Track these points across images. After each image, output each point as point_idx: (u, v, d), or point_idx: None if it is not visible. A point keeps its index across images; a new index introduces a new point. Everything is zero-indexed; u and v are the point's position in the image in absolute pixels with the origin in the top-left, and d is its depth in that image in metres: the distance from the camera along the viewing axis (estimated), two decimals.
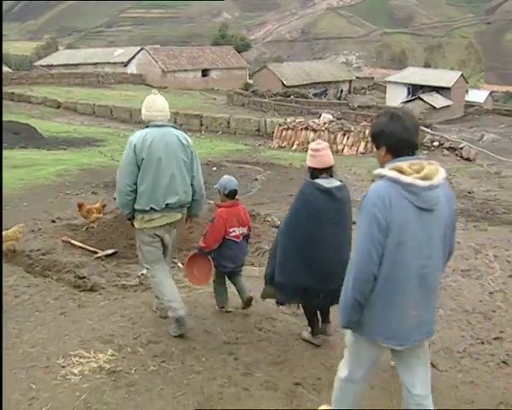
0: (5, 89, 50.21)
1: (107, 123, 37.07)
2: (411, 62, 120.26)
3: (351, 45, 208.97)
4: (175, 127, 6.10)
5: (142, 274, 8.21)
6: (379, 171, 3.64)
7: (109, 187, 15.33)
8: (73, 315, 6.48)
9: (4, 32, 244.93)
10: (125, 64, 72.64)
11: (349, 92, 74.79)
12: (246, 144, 29.09)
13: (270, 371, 5.33)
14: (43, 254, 9.24)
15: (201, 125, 35.61)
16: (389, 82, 69.50)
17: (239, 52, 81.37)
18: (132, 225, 6.18)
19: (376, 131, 3.75)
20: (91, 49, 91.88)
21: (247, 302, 6.63)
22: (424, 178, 3.51)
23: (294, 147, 27.78)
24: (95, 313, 6.52)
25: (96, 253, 9.43)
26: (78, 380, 4.93)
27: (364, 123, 29.73)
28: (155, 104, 5.91)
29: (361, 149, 25.51)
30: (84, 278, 7.89)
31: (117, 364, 5.23)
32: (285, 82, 68.50)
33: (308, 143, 27.42)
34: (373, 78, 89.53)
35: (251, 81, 73.93)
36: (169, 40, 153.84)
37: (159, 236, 6.01)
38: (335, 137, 26.75)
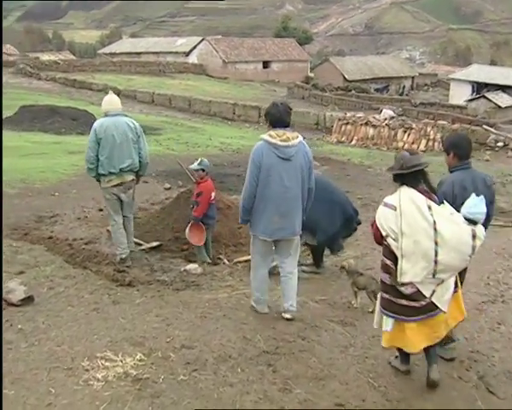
0: (68, 75, 51.02)
1: (166, 112, 36.98)
2: (477, 59, 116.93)
3: (415, 41, 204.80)
4: (126, 115, 8.39)
5: (185, 270, 7.87)
6: (261, 136, 5.97)
7: (162, 176, 15.09)
8: (107, 312, 6.15)
9: (70, 21, 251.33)
10: (187, 54, 72.77)
11: (411, 88, 73.18)
12: (304, 138, 28.32)
13: (311, 387, 4.85)
14: (85, 244, 9.02)
15: (260, 116, 35.16)
16: (453, 79, 67.46)
17: (301, 45, 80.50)
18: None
19: (265, 112, 6.17)
20: (154, 39, 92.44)
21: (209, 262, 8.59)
22: (283, 141, 5.84)
23: (354, 142, 27.11)
24: (129, 310, 6.18)
25: (141, 245, 9.14)
26: (101, 387, 4.56)
27: (426, 120, 28.80)
28: (109, 101, 8.30)
29: (422, 146, 24.62)
30: (123, 271, 7.59)
31: (144, 370, 4.85)
32: (346, 76, 67.55)
33: (368, 139, 26.83)
34: (436, 74, 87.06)
35: (312, 74, 73.08)
36: (231, 31, 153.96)
37: (115, 194, 8.21)
38: (396, 134, 25.97)
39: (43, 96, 39.27)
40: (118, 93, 43.49)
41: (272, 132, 5.88)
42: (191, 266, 8.00)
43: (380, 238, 5.06)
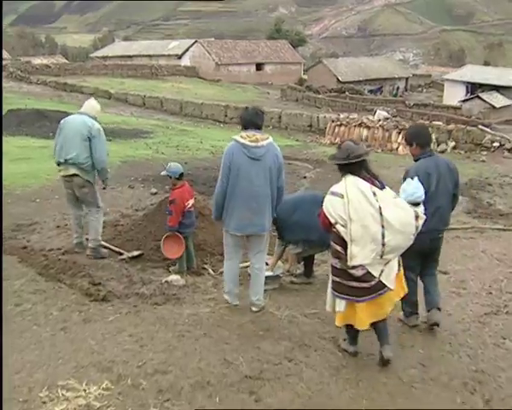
0: (59, 79, 50.47)
1: (157, 115, 36.47)
2: (470, 60, 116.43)
3: (408, 42, 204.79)
4: (91, 116, 8.51)
5: (167, 281, 7.36)
6: (233, 137, 6.24)
7: (148, 181, 14.58)
8: (75, 332, 5.58)
9: (63, 25, 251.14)
10: (179, 57, 72.26)
11: (405, 90, 72.72)
12: (297, 140, 28.03)
13: None
14: (62, 254, 8.51)
15: None
16: (447, 80, 67.03)
17: (294, 47, 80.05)
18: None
19: (239, 117, 6.55)
20: (146, 42, 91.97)
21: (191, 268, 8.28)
22: (252, 141, 6.07)
23: None
24: (100, 330, 5.62)
25: (122, 254, 8.62)
26: None
27: (420, 121, 28.28)
28: (84, 103, 8.85)
29: None
30: (98, 284, 7.04)
31: (110, 401, 4.29)
32: (340, 78, 67.06)
33: (362, 140, 26.31)
34: (430, 75, 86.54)
35: (305, 76, 72.63)
36: (225, 34, 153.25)
37: (69, 188, 8.63)
38: (390, 135, 25.48)
39: (32, 100, 38.70)
40: (109, 96, 43.33)
41: (243, 134, 6.20)
42: (172, 278, 7.46)
43: (328, 226, 5.26)
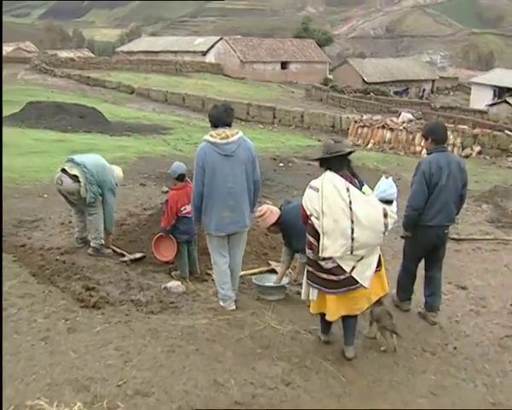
0: (83, 72, 50.49)
1: (179, 111, 36.18)
2: (499, 64, 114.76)
3: (436, 44, 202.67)
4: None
5: (166, 288, 6.94)
6: (203, 137, 6.29)
7: (161, 179, 14.20)
8: (57, 343, 5.15)
9: (91, 19, 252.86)
10: (204, 53, 71.90)
11: (431, 92, 71.56)
12: (319, 140, 27.46)
13: None
14: (61, 254, 8.13)
15: (274, 117, 34.28)
16: (474, 83, 65.90)
17: (321, 46, 79.18)
18: None
19: (208, 115, 6.42)
20: (172, 38, 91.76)
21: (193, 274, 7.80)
22: (222, 138, 6.13)
23: (370, 146, 26.01)
24: (84, 341, 5.19)
25: (123, 255, 8.23)
26: None
27: (446, 125, 27.61)
28: None
29: None
30: (92, 289, 6.62)
31: None
32: (366, 78, 66.34)
33: (384, 142, 25.72)
34: (457, 78, 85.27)
35: (331, 76, 71.93)
36: (252, 32, 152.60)
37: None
38: (414, 138, 24.82)
39: (55, 92, 38.70)
40: (131, 91, 43.21)
41: (213, 132, 6.24)
42: (173, 284, 7.03)
43: (305, 218, 5.50)
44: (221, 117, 6.27)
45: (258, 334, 5.62)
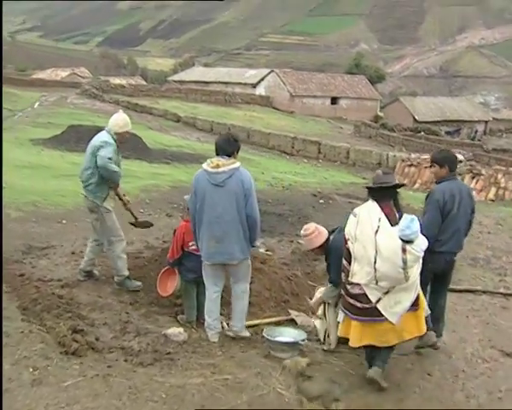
0: (131, 99, 50.72)
1: None
2: None
3: (490, 85, 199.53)
4: (107, 129, 7.77)
5: (165, 335, 6.14)
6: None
7: None
8: (13, 399, 4.32)
9: (147, 48, 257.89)
10: (254, 85, 71.79)
11: (484, 133, 69.65)
12: (364, 178, 26.52)
13: None
14: (61, 287, 7.46)
15: (319, 152, 33.44)
16: None
17: (372, 83, 78.29)
18: None
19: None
20: (224, 69, 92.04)
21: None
22: (214, 168, 6.16)
23: (417, 186, 24.96)
24: (47, 397, 4.36)
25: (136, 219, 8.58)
26: None
27: (497, 167, 26.36)
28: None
29: (491, 195, 22.27)
30: (80, 331, 5.83)
31: None
32: (417, 117, 65.17)
33: (432, 183, 24.61)
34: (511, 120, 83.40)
35: (381, 114, 70.97)
36: (304, 67, 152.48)
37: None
38: (463, 180, 23.69)
39: (102, 117, 38.69)
40: (177, 119, 43.00)
41: (209, 160, 6.27)
42: (173, 331, 6.19)
43: (345, 242, 5.58)
44: (222, 146, 6.27)
45: (258, 400, 4.74)
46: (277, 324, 6.92)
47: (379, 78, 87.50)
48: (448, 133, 62.42)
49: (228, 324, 6.80)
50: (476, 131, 67.64)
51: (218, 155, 6.24)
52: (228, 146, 6.26)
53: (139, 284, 7.80)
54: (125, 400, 4.51)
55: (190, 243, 6.82)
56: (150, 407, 4.45)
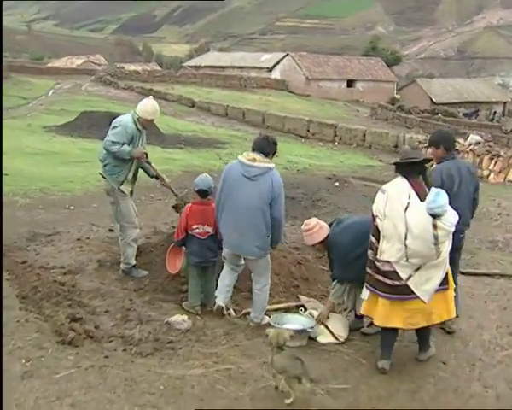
0: (145, 85, 50.50)
1: (238, 126, 35.34)
2: None
3: (509, 66, 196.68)
4: (133, 114, 7.61)
5: (168, 322, 5.88)
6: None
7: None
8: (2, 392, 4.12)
9: (162, 35, 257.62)
10: (270, 69, 71.19)
11: (503, 115, 68.68)
12: (380, 160, 26.03)
13: None
14: (63, 274, 7.25)
15: (335, 135, 32.93)
16: None
17: (389, 66, 77.33)
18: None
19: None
20: (239, 53, 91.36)
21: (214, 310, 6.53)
22: (249, 160, 6.14)
23: (434, 166, 24.52)
24: (37, 391, 4.13)
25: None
26: None
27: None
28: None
29: (510, 176, 21.80)
30: (79, 320, 5.61)
31: None
32: (434, 99, 64.27)
33: None
34: None
35: (398, 96, 70.10)
36: (321, 50, 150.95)
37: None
38: (481, 161, 23.15)
39: (116, 104, 38.56)
40: (192, 104, 42.79)
41: (244, 153, 6.33)
42: (176, 318, 5.94)
43: (373, 220, 5.45)
44: (260, 144, 6.33)
45: (260, 393, 4.48)
46: (286, 310, 6.66)
47: (395, 60, 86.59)
48: (466, 115, 61.54)
49: (235, 311, 6.58)
50: (495, 113, 66.66)
51: (253, 151, 6.28)
52: (266, 146, 6.32)
53: (145, 273, 7.58)
54: (120, 392, 4.26)
55: (194, 227, 6.70)
56: (145, 400, 4.20)
